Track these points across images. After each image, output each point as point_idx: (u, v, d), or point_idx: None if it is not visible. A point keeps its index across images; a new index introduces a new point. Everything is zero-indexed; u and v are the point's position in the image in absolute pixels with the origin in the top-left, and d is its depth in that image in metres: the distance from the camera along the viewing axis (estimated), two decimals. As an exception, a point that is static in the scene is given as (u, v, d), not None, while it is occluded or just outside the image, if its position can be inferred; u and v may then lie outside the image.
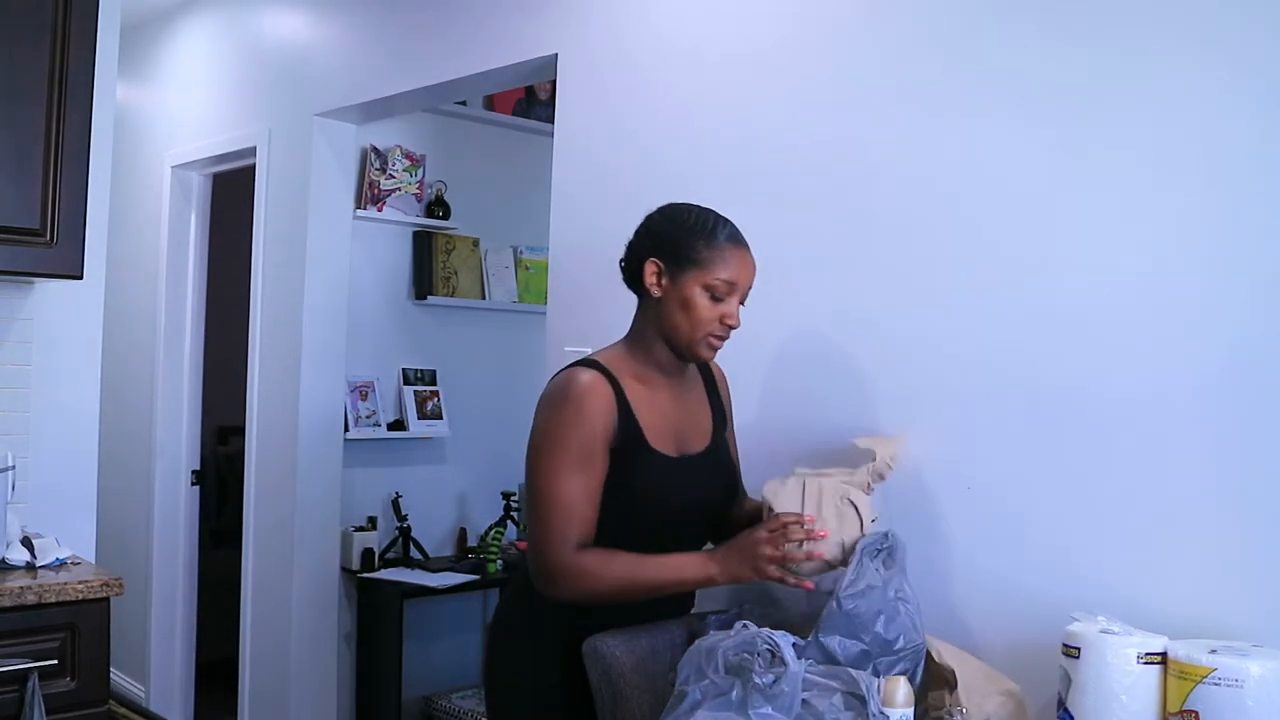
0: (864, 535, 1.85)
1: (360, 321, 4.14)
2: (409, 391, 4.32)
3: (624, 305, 2.06)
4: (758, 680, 1.60)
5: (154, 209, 4.58)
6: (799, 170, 2.38)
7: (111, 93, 2.89)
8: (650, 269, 1.97)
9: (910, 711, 1.61)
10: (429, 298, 4.34)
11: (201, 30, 4.45)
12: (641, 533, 1.92)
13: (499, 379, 4.51)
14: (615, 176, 2.75)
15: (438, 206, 4.37)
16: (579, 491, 1.88)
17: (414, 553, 4.25)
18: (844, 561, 1.85)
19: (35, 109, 2.45)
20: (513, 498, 4.34)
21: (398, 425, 4.26)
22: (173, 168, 4.50)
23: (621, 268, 2.04)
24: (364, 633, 4.13)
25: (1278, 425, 1.72)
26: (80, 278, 2.57)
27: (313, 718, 3.90)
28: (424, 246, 4.37)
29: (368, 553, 4.10)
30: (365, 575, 4.06)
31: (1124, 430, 1.88)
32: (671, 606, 2.02)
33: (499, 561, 4.19)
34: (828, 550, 1.84)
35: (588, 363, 1.98)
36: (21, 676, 2.20)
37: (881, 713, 1.59)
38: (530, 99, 4.64)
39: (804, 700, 1.61)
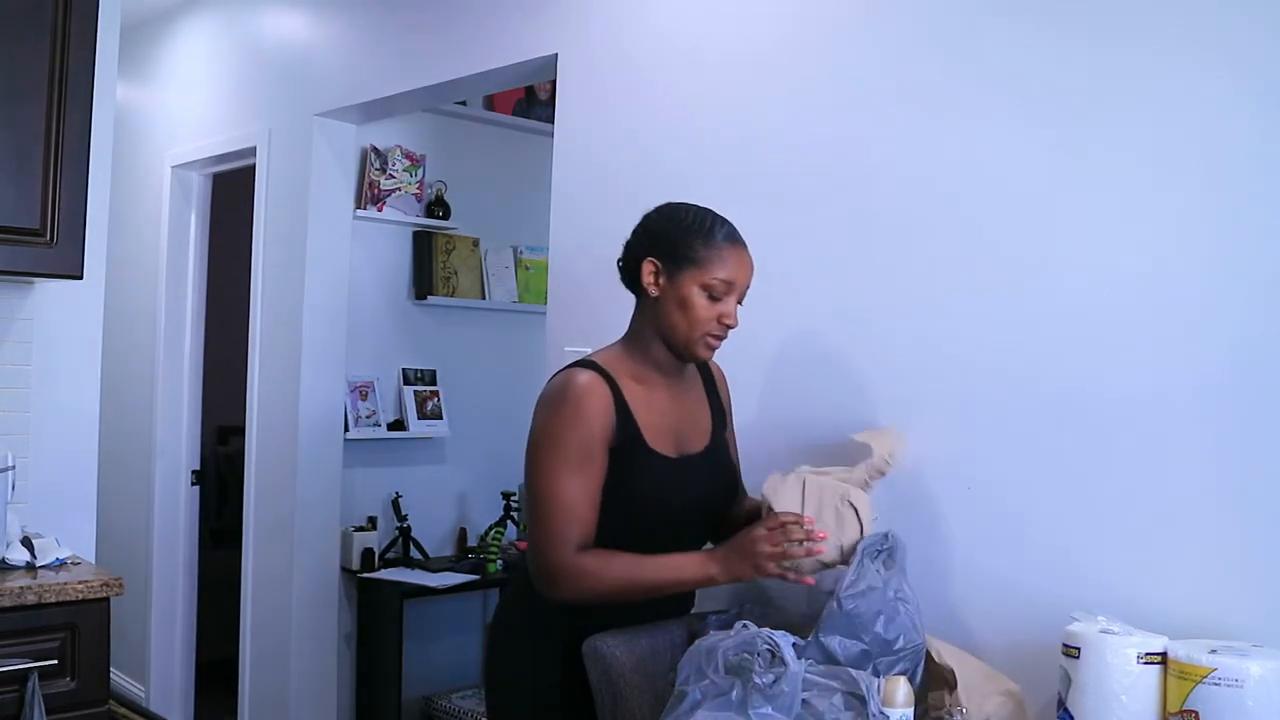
0: (864, 537, 1.85)
1: (360, 321, 4.14)
2: (409, 391, 4.32)
3: (624, 305, 2.06)
4: (758, 680, 1.60)
5: (154, 209, 4.58)
6: (799, 170, 2.38)
7: (111, 93, 2.89)
8: (648, 269, 1.97)
9: (910, 711, 1.62)
10: (429, 298, 4.34)
11: (201, 30, 4.45)
12: (641, 533, 1.92)
13: (499, 379, 4.51)
14: (615, 176, 2.75)
15: (438, 206, 4.37)
16: (578, 492, 1.88)
17: (414, 553, 4.25)
18: (844, 561, 1.85)
19: (35, 109, 2.45)
20: (513, 498, 4.34)
21: (398, 425, 4.26)
22: (173, 168, 4.50)
23: (619, 267, 2.04)
24: (364, 633, 4.13)
25: (1278, 425, 1.72)
26: (80, 278, 2.57)
27: (313, 718, 3.90)
28: (424, 246, 4.37)
29: (368, 553, 4.10)
30: (365, 575, 4.06)
31: (1124, 430, 1.88)
32: (671, 606, 2.02)
33: (499, 561, 4.19)
34: (826, 552, 1.84)
35: (585, 363, 1.98)
36: (21, 676, 2.20)
37: (881, 713, 1.59)
38: (530, 99, 4.64)
39: (804, 700, 1.61)
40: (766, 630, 1.68)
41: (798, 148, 2.38)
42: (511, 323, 4.62)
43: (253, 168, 4.10)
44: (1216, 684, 1.55)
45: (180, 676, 4.55)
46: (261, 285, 4.04)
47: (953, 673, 1.78)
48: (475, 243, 4.51)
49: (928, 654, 1.83)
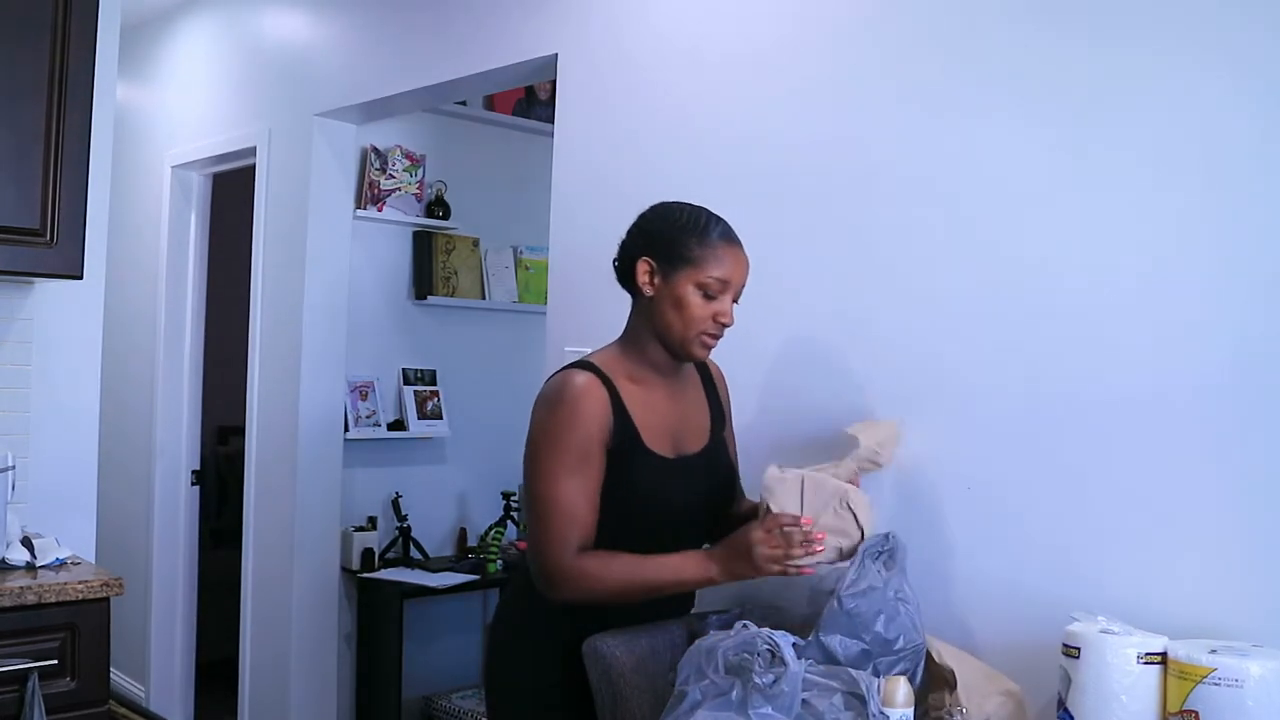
0: (864, 539, 1.85)
1: (360, 321, 4.14)
2: (409, 391, 4.32)
3: (624, 305, 2.06)
4: (758, 680, 1.60)
5: (154, 209, 4.58)
6: (799, 170, 2.38)
7: (111, 93, 2.89)
8: (643, 268, 1.96)
9: (910, 711, 1.62)
10: (429, 298, 4.34)
11: (201, 30, 4.45)
12: (641, 533, 1.92)
13: (499, 379, 4.50)
14: (615, 176, 2.75)
15: (438, 206, 4.37)
16: (577, 494, 1.88)
17: (414, 553, 4.25)
18: (844, 558, 1.85)
19: (35, 109, 2.45)
20: (513, 498, 4.34)
21: (398, 425, 4.26)
22: (173, 168, 4.50)
23: (615, 267, 2.04)
24: (364, 633, 4.13)
25: (1278, 425, 1.72)
26: (80, 278, 2.57)
27: (313, 718, 3.90)
28: (424, 246, 4.37)
29: (368, 553, 4.10)
30: (365, 575, 4.06)
31: (1124, 430, 1.88)
32: (671, 606, 2.02)
33: (499, 561, 4.19)
34: (825, 553, 1.83)
35: (582, 364, 1.98)
36: (21, 676, 2.20)
37: (881, 713, 1.59)
38: (530, 99, 4.64)
39: (804, 700, 1.61)
40: (766, 630, 1.68)
41: (798, 148, 2.38)
42: (511, 323, 4.62)
43: (253, 168, 4.10)
44: (1216, 684, 1.55)
45: (180, 676, 4.55)
46: (261, 285, 4.04)
47: (953, 673, 1.78)
48: (475, 243, 4.51)
49: (928, 654, 1.83)
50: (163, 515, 4.51)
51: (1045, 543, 1.97)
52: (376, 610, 4.05)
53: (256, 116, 4.08)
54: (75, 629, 2.31)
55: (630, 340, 2.03)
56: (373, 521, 4.18)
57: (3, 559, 2.39)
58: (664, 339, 1.98)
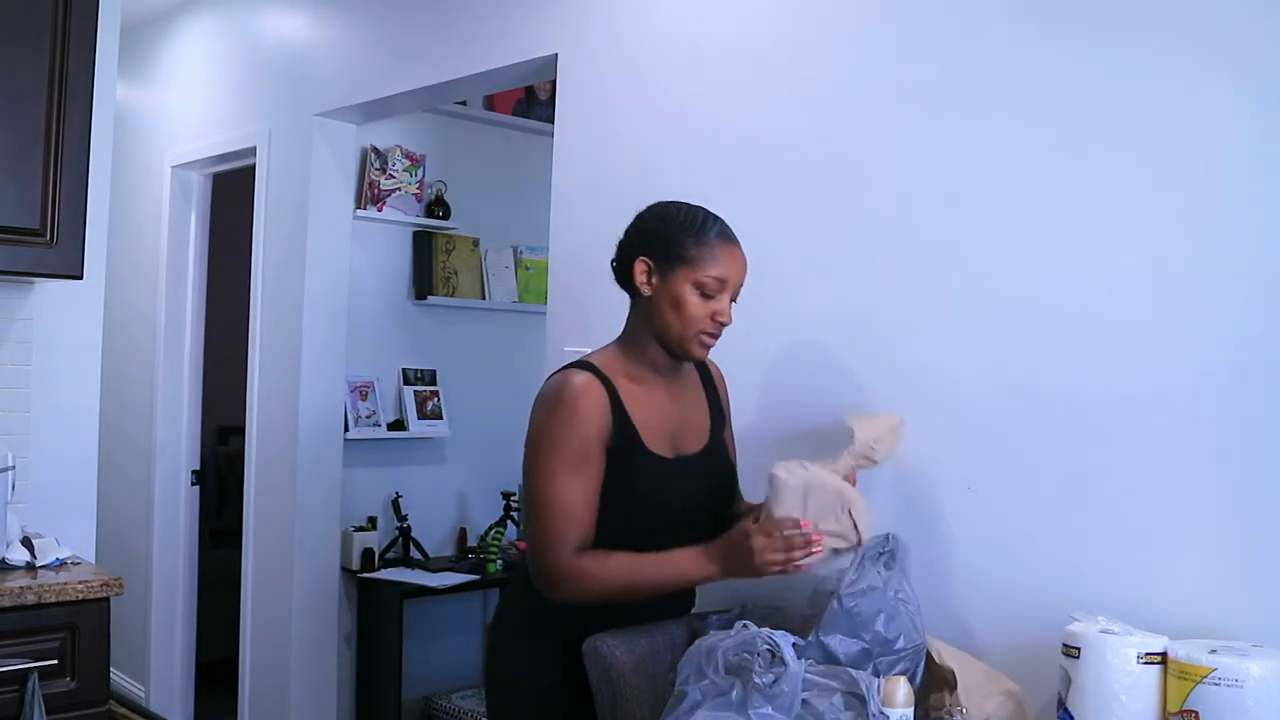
0: (860, 544, 1.85)
1: (360, 321, 4.14)
2: (409, 391, 4.32)
3: (624, 305, 2.06)
4: (758, 680, 1.60)
5: (154, 209, 4.58)
6: (799, 170, 2.38)
7: (111, 93, 2.89)
8: (640, 268, 1.96)
9: (910, 711, 1.61)
10: (429, 298, 4.34)
11: (201, 30, 4.45)
12: (641, 533, 1.91)
13: (499, 379, 4.50)
14: (615, 176, 2.75)
15: (438, 206, 4.37)
16: (576, 494, 1.88)
17: (414, 553, 4.25)
18: (841, 555, 1.85)
19: (35, 109, 2.45)
20: (513, 498, 4.34)
21: (398, 425, 4.26)
22: (173, 168, 4.50)
23: (613, 267, 2.04)
24: (364, 633, 4.13)
25: (1278, 425, 1.72)
26: (80, 278, 2.57)
27: (313, 718, 3.90)
28: (424, 246, 4.37)
29: (368, 553, 4.10)
30: (365, 575, 4.06)
31: (1124, 430, 1.88)
32: (672, 606, 2.02)
33: (499, 561, 4.19)
34: (822, 554, 1.83)
35: (581, 364, 1.97)
36: (21, 676, 2.20)
37: (881, 713, 1.59)
38: (530, 99, 4.64)
39: (804, 700, 1.61)
40: (766, 630, 1.68)
41: (798, 148, 2.38)
42: (511, 323, 4.62)
43: (253, 168, 4.10)
44: (1216, 684, 1.55)
45: (180, 676, 4.55)
46: (261, 285, 4.04)
47: (953, 673, 1.78)
48: (475, 243, 4.51)
49: (928, 655, 1.83)
50: (163, 515, 4.51)
51: (1045, 543, 1.97)
52: (376, 610, 4.05)
53: (256, 116, 4.08)
54: (75, 629, 2.31)
55: (629, 340, 2.03)
56: (373, 521, 4.18)
57: (3, 559, 2.39)
58: (662, 339, 1.98)
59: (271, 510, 3.95)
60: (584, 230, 2.80)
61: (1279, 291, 1.73)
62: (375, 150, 4.16)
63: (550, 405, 1.92)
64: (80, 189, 2.52)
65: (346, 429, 4.04)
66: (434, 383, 4.40)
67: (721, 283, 1.93)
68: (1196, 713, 1.57)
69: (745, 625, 1.72)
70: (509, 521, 4.34)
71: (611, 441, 1.92)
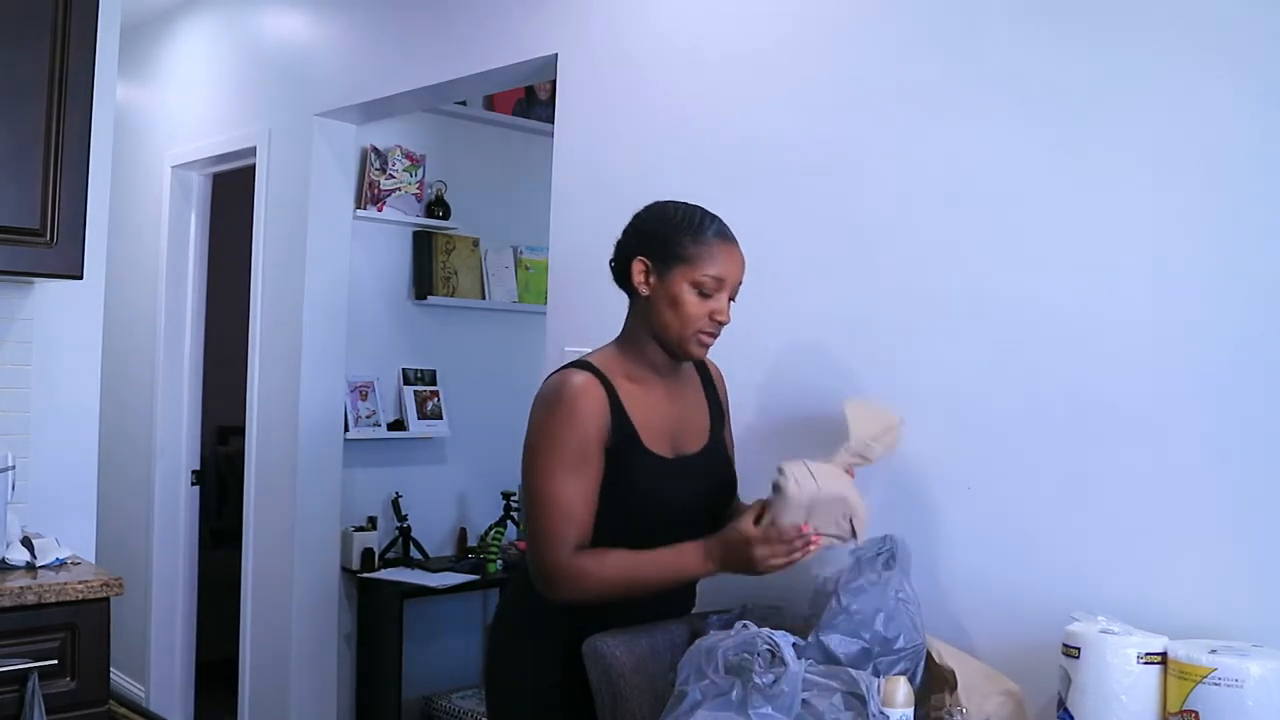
0: (858, 543, 1.86)
1: (360, 321, 4.14)
2: (409, 391, 4.32)
3: (624, 305, 2.06)
4: (758, 680, 1.60)
5: (154, 209, 4.58)
6: (799, 170, 2.38)
7: (111, 93, 2.89)
8: (638, 268, 1.96)
9: (910, 712, 1.61)
10: (429, 298, 4.34)
11: (201, 30, 4.45)
12: (640, 533, 1.91)
13: (499, 379, 4.50)
14: (615, 176, 2.75)
15: (438, 206, 4.37)
16: (575, 493, 1.88)
17: (414, 553, 4.25)
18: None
19: (35, 109, 2.45)
20: (513, 498, 4.34)
21: (398, 425, 4.26)
22: (173, 168, 4.50)
23: (611, 267, 2.04)
24: (364, 633, 4.13)
25: (1278, 425, 1.72)
26: (80, 278, 2.57)
27: (313, 718, 3.90)
28: (424, 246, 4.37)
29: (368, 553, 4.10)
30: (365, 575, 4.06)
31: (1124, 430, 1.88)
32: (672, 606, 2.02)
33: (499, 561, 4.19)
34: (816, 550, 1.84)
35: (580, 364, 1.97)
36: (21, 676, 2.20)
37: (881, 713, 1.59)
38: (530, 99, 4.64)
39: (804, 700, 1.60)
40: (766, 630, 1.68)
41: (798, 148, 2.38)
42: (511, 323, 4.62)
43: (253, 168, 4.10)
44: (1216, 684, 1.55)
45: (180, 676, 4.55)
46: (261, 285, 4.04)
47: (953, 673, 1.78)
48: (475, 243, 4.51)
49: (928, 655, 1.83)
50: (163, 515, 4.51)
51: (1045, 542, 1.97)
52: (376, 610, 4.05)
53: (256, 116, 4.08)
54: (75, 629, 2.31)
55: (628, 340, 2.03)
56: (373, 521, 4.18)
57: (3, 559, 2.39)
58: (661, 338, 1.98)
59: (271, 510, 3.95)
60: (584, 230, 2.80)
61: (1279, 291, 1.73)
62: (375, 150, 4.16)
63: (549, 405, 1.92)
64: (80, 189, 2.51)
65: (346, 429, 4.04)
66: (434, 383, 4.40)
67: (719, 282, 1.93)
68: (1196, 713, 1.57)
69: (745, 625, 1.72)
70: (509, 521, 4.34)
71: (610, 441, 1.92)
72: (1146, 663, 1.65)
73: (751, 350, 2.35)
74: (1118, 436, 1.88)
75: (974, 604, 2.05)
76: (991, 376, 2.05)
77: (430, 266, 4.36)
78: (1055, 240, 1.98)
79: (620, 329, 2.06)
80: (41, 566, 2.41)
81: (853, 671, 1.65)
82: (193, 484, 4.59)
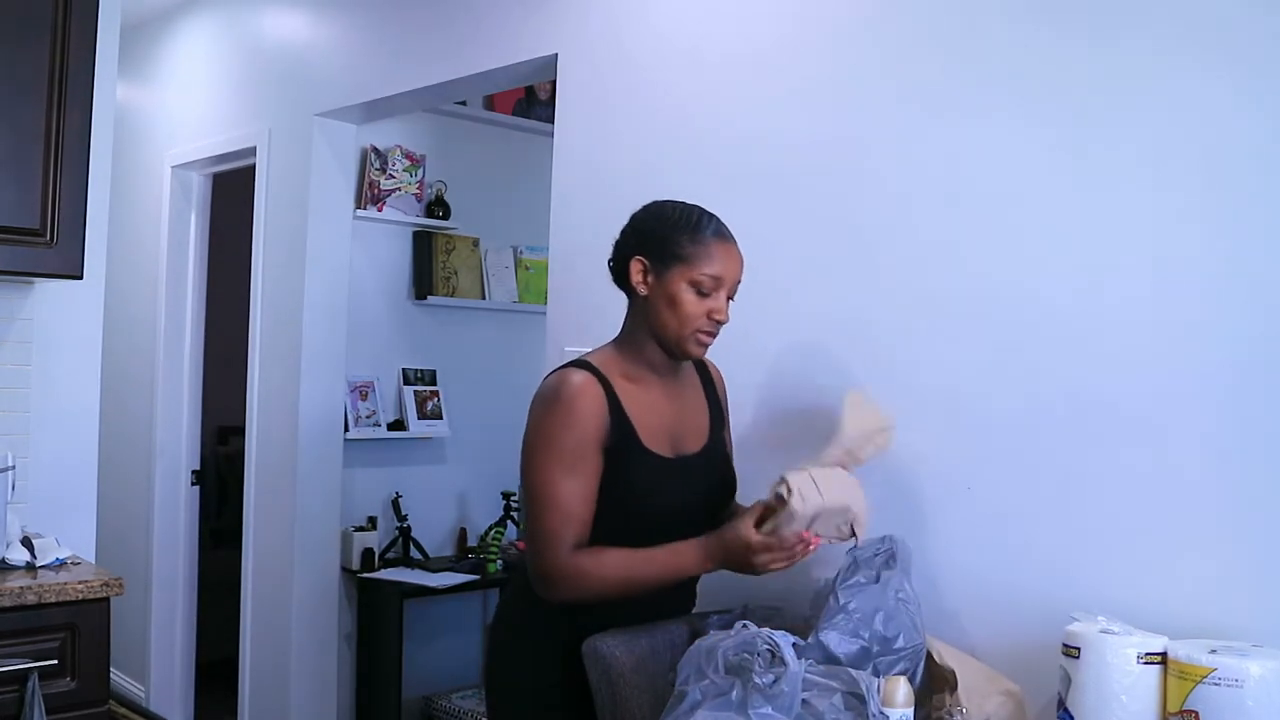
0: (858, 546, 1.86)
1: (360, 321, 4.14)
2: (409, 391, 4.32)
3: (624, 305, 2.06)
4: (758, 680, 1.60)
5: (154, 209, 4.58)
6: (799, 170, 2.38)
7: (111, 93, 2.89)
8: (636, 267, 1.96)
9: (910, 711, 1.61)
10: (429, 298, 4.34)
11: (201, 30, 4.45)
12: (640, 533, 1.91)
13: (499, 379, 4.50)
14: (615, 176, 2.75)
15: (438, 206, 4.37)
16: (573, 493, 1.88)
17: (414, 553, 4.25)
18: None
19: (35, 108, 2.45)
20: (513, 498, 4.34)
21: (398, 425, 4.26)
22: (173, 168, 4.50)
23: (610, 267, 2.04)
24: (364, 633, 4.13)
25: (1278, 425, 1.72)
26: (80, 278, 2.57)
27: (313, 718, 3.90)
28: (424, 246, 4.37)
29: (368, 553, 4.10)
30: (365, 575, 4.06)
31: (1124, 430, 1.88)
32: (673, 606, 2.02)
33: (499, 561, 4.20)
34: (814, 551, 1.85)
35: (579, 364, 1.97)
36: (21, 676, 2.20)
37: (881, 713, 1.59)
38: (530, 99, 4.64)
39: (804, 700, 1.61)
40: (766, 630, 1.68)
41: (798, 148, 2.38)
42: (511, 323, 4.62)
43: (253, 168, 4.10)
44: (1216, 684, 1.55)
45: (180, 676, 4.55)
46: (261, 285, 4.04)
47: (953, 673, 1.78)
48: (475, 243, 4.51)
49: (928, 655, 1.83)
50: (163, 515, 4.51)
51: (1045, 542, 1.97)
52: (376, 610, 4.05)
53: (256, 116, 4.08)
54: (75, 629, 2.31)
55: (627, 340, 2.03)
56: (373, 521, 4.18)
57: (3, 559, 2.39)
58: (660, 338, 1.98)
59: (271, 510, 3.95)
60: (584, 230, 2.80)
61: (1279, 291, 1.73)
62: (375, 150, 4.16)
63: (547, 404, 1.92)
64: (80, 189, 2.51)
65: (346, 429, 4.04)
66: (434, 383, 4.40)
67: (718, 281, 1.93)
68: (1196, 713, 1.57)
69: (745, 625, 1.72)
70: (509, 521, 4.34)
71: (609, 441, 1.92)
72: (1146, 663, 1.65)
73: (751, 350, 2.35)
74: (1118, 437, 1.88)
75: (974, 604, 2.05)
76: (991, 376, 2.05)
77: (430, 266, 4.36)
78: (1055, 240, 1.98)
79: (619, 329, 2.06)
80: (41, 566, 2.41)
81: (853, 671, 1.66)
82: (193, 484, 4.59)
